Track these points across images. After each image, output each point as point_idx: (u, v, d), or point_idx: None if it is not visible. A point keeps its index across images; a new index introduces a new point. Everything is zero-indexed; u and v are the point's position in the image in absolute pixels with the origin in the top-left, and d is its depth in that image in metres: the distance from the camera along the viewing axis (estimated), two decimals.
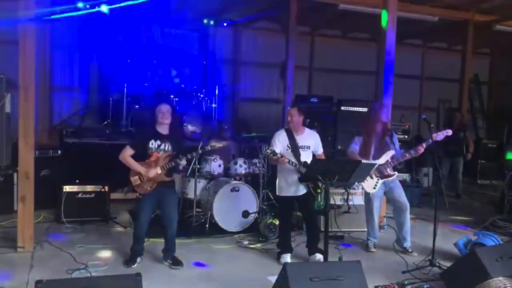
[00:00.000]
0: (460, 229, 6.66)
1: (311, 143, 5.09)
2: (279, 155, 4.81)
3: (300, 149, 5.01)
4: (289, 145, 5.02)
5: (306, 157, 4.99)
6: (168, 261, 4.80)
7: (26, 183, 4.98)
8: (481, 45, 12.23)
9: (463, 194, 9.08)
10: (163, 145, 4.67)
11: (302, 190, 4.99)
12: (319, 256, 5.00)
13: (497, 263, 3.95)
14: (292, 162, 4.86)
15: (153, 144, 4.64)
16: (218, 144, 5.02)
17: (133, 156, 4.63)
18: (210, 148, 4.96)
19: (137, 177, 4.64)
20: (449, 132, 5.23)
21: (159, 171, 4.62)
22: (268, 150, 4.81)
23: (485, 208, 7.97)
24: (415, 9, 8.70)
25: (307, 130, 5.20)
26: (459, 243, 5.21)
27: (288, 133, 5.07)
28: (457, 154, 8.84)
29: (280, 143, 5.04)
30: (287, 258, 5.03)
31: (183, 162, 4.65)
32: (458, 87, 10.21)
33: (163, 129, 4.71)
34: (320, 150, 5.18)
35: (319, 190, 5.91)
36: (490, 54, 13.85)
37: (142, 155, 4.65)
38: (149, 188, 4.65)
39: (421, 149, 5.19)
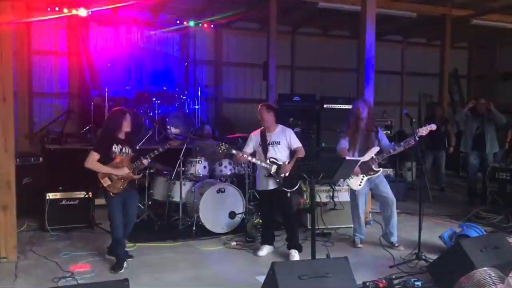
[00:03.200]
0: (445, 221, 6.74)
1: (281, 139, 5.22)
2: (234, 152, 5.08)
3: (269, 146, 5.20)
4: (260, 143, 5.25)
5: (275, 152, 5.15)
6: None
7: (7, 192, 4.88)
8: (459, 39, 12.43)
9: (447, 187, 9.21)
10: (124, 148, 4.85)
11: (272, 185, 5.14)
12: (293, 254, 5.12)
13: (482, 253, 4.00)
14: (253, 158, 5.17)
15: (115, 148, 4.80)
16: (174, 143, 5.31)
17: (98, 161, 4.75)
18: (168, 146, 5.14)
19: (106, 178, 4.73)
20: (433, 126, 5.28)
21: (127, 170, 4.80)
22: (222, 146, 5.05)
23: (468, 200, 8.07)
24: (394, 5, 8.80)
25: (280, 127, 5.30)
26: (444, 235, 5.27)
27: (262, 132, 5.30)
28: (439, 148, 8.95)
29: (252, 141, 5.33)
30: (261, 251, 5.25)
31: (147, 160, 4.90)
32: (438, 82, 10.35)
33: (121, 135, 4.88)
34: (295, 144, 5.22)
35: (304, 189, 5.98)
36: (468, 48, 14.07)
37: (102, 160, 4.74)
38: (121, 187, 4.77)
39: (412, 141, 5.18)
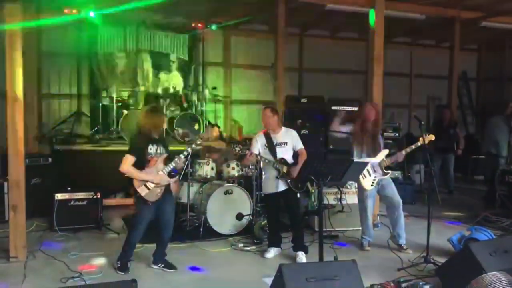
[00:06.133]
0: (454, 225, 6.70)
1: (287, 140, 5.28)
2: (247, 152, 5.05)
3: (276, 147, 5.23)
4: (266, 144, 5.26)
5: (283, 153, 5.21)
6: (160, 264, 4.81)
7: (17, 192, 4.93)
8: (468, 41, 12.35)
9: (455, 190, 9.15)
10: (158, 148, 4.65)
11: (281, 186, 5.13)
12: (300, 256, 5.12)
13: (491, 257, 3.97)
14: (265, 159, 5.15)
15: (151, 148, 4.60)
16: (204, 142, 5.30)
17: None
18: (199, 144, 5.05)
19: (143, 186, 4.53)
20: (432, 137, 5.35)
21: (164, 175, 4.61)
22: (236, 148, 5.02)
23: (478, 203, 8.01)
24: (403, 7, 8.74)
25: (284, 128, 5.41)
26: (453, 239, 5.24)
27: (266, 134, 5.31)
28: (448, 151, 8.90)
29: (258, 143, 5.30)
30: (268, 253, 5.25)
31: (182, 160, 4.71)
32: (447, 84, 10.29)
33: (157, 134, 4.70)
34: (299, 146, 5.30)
35: (312, 191, 5.97)
36: (478, 50, 13.98)
37: (137, 163, 4.54)
38: (159, 194, 4.59)
39: (413, 147, 5.34)
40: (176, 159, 4.65)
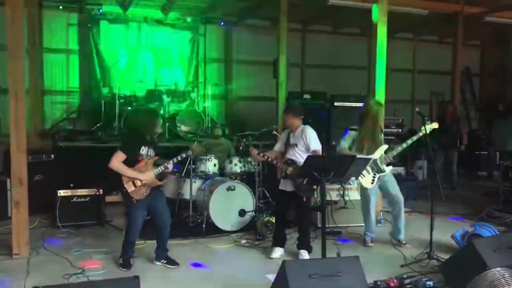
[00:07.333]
0: (457, 221, 6.68)
1: (298, 141, 5.10)
2: (250, 148, 5.04)
3: (288, 147, 5.15)
4: (285, 144, 5.21)
5: (293, 154, 5.07)
6: (162, 261, 4.81)
7: (19, 188, 4.92)
8: (471, 37, 12.29)
9: (458, 186, 9.12)
10: (149, 150, 4.67)
11: (290, 187, 5.06)
12: (303, 253, 5.08)
13: (495, 253, 3.95)
14: (267, 157, 5.10)
15: (143, 150, 4.61)
16: (197, 149, 5.18)
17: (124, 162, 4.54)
18: (189, 154, 5.03)
19: (130, 183, 4.55)
20: (435, 125, 5.28)
21: (152, 174, 4.63)
22: (242, 143, 5.04)
23: (481, 199, 7.99)
24: (405, 2, 8.72)
25: (301, 127, 5.20)
26: (456, 235, 5.22)
27: (289, 131, 5.27)
28: (451, 147, 8.88)
29: (279, 142, 5.31)
30: (274, 253, 5.14)
31: (170, 166, 4.76)
32: (450, 80, 10.25)
33: (149, 136, 4.72)
34: (312, 146, 4.96)
35: (314, 187, 5.93)
36: (481, 46, 13.92)
37: (127, 161, 4.54)
38: (145, 194, 4.60)
39: (415, 138, 5.27)
40: (166, 164, 4.70)
